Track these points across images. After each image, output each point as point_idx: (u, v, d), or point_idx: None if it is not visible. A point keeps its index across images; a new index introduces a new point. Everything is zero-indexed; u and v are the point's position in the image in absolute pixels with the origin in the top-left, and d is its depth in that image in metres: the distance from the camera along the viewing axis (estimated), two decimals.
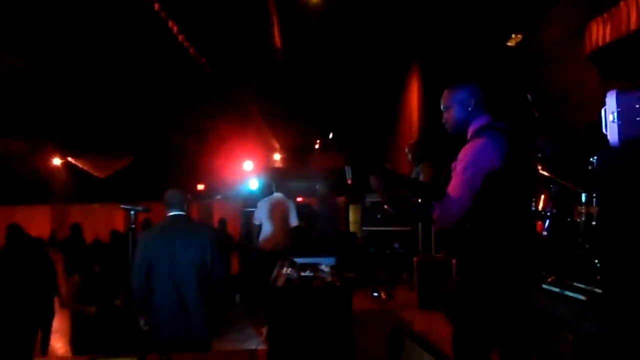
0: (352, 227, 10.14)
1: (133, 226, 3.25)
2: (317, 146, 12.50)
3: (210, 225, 4.73)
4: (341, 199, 10.38)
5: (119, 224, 11.87)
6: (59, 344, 5.44)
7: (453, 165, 2.23)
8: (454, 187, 2.14)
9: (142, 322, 3.42)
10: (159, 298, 3.42)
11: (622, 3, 4.44)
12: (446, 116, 2.41)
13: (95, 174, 12.70)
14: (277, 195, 6.01)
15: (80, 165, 12.38)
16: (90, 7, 6.19)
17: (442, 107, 2.42)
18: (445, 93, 2.42)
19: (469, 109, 2.32)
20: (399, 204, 2.34)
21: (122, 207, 3.26)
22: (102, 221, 12.48)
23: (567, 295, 3.28)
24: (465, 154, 2.18)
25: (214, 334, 3.67)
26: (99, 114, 10.01)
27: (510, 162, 2.13)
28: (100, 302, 4.23)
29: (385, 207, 2.39)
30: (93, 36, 6.88)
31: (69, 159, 12.38)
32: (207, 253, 3.54)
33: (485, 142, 2.16)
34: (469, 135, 2.33)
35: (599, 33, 4.81)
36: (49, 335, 5.17)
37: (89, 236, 8.68)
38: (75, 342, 4.33)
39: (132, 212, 3.24)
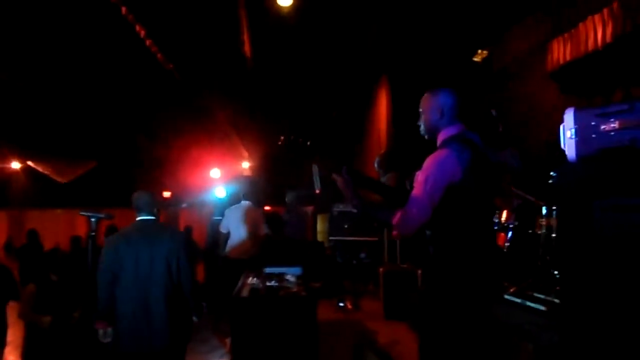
0: (320, 237, 10.12)
1: (93, 234, 3.14)
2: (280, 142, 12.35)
3: (178, 230, 4.66)
4: (309, 208, 10.37)
5: (81, 230, 11.49)
6: (11, 356, 5.20)
7: (417, 173, 2.24)
8: (415, 196, 2.16)
9: (101, 332, 3.28)
10: (123, 307, 3.30)
11: (581, 24, 4.62)
12: (421, 120, 2.44)
13: (56, 178, 12.28)
14: (246, 203, 5.96)
15: (40, 169, 11.96)
16: (55, 9, 6.04)
17: (419, 109, 2.45)
18: (424, 96, 2.45)
19: (441, 116, 2.34)
20: (364, 205, 2.31)
21: (82, 214, 3.15)
22: (63, 228, 12.09)
23: (528, 306, 3.35)
24: (428, 165, 2.20)
25: (185, 342, 3.58)
26: (62, 117, 9.73)
27: (473, 175, 2.15)
28: (56, 312, 4.06)
29: (351, 207, 2.39)
30: (58, 39, 6.71)
31: (29, 162, 11.95)
32: (173, 259, 3.43)
33: (448, 153, 2.18)
34: (437, 143, 2.35)
35: (560, 52, 4.99)
36: (3, 348, 4.94)
37: (49, 243, 8.39)
38: (28, 354, 4.15)
39: (92, 219, 3.14)
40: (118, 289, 3.31)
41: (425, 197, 2.12)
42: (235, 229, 5.76)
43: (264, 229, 5.86)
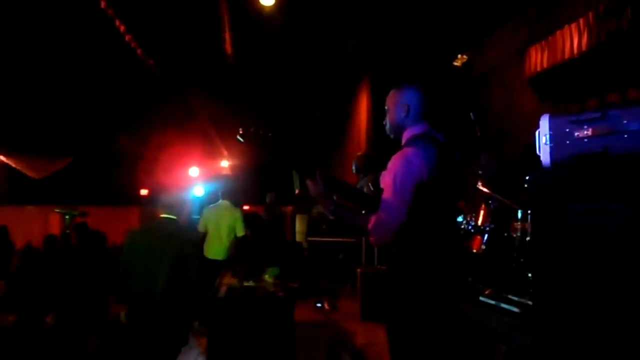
0: (298, 237, 10.11)
1: (68, 231, 3.12)
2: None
3: (192, 233, 4.60)
4: (288, 209, 10.36)
5: (55, 227, 11.27)
6: None
7: (382, 174, 2.19)
8: (386, 198, 2.10)
9: (122, 314, 3.36)
10: (131, 298, 3.37)
11: (558, 32, 4.71)
12: (387, 118, 2.41)
13: (30, 174, 11.98)
14: (224, 202, 5.90)
15: (13, 164, 11.65)
16: (32, 2, 5.90)
17: (385, 107, 2.42)
18: (390, 93, 2.41)
19: (406, 114, 2.30)
20: (339, 211, 2.21)
21: (57, 212, 3.14)
22: (36, 225, 11.83)
23: (502, 308, 3.41)
24: (394, 164, 2.14)
25: (181, 343, 3.56)
26: (38, 112, 9.52)
27: (439, 175, 2.10)
28: (24, 311, 3.98)
29: (326, 212, 2.28)
30: (34, 32, 6.56)
31: (1, 157, 11.64)
32: (181, 261, 3.44)
33: (414, 152, 2.12)
34: (402, 142, 2.31)
35: (538, 58, 5.08)
36: None
37: (20, 240, 8.19)
38: None
39: (67, 217, 3.12)
40: (130, 280, 3.37)
41: (396, 199, 2.07)
42: (213, 229, 5.71)
43: (242, 231, 5.80)
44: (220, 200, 5.93)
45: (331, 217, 2.23)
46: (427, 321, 2.13)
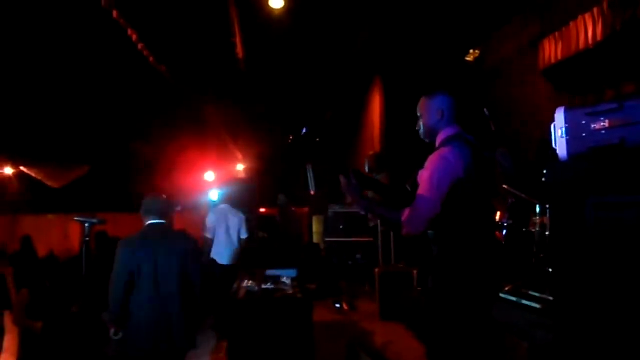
0: (315, 238, 10.12)
1: (87, 239, 3.15)
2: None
3: (188, 234, 4.51)
4: (304, 210, 10.36)
5: (74, 235, 11.42)
6: None
7: (420, 172, 2.26)
8: (423, 191, 2.16)
9: (113, 331, 3.26)
10: (138, 309, 3.26)
11: (572, 23, 4.65)
12: (420, 123, 2.49)
13: (49, 183, 12.19)
14: (225, 206, 5.83)
15: (33, 174, 11.86)
16: (46, 14, 6.01)
17: (418, 113, 2.50)
18: (421, 100, 2.49)
19: (439, 118, 2.39)
20: (372, 206, 2.33)
21: (76, 220, 3.16)
22: (56, 233, 12.00)
23: (523, 304, 3.37)
24: (431, 162, 2.22)
25: (191, 346, 3.56)
26: (55, 122, 9.68)
27: (474, 173, 2.17)
28: (48, 317, 4.05)
29: (358, 208, 2.40)
30: (49, 43, 6.67)
31: (22, 168, 11.86)
32: (187, 261, 3.43)
33: (450, 150, 2.20)
34: (437, 144, 2.38)
35: (552, 50, 5.01)
36: None
37: (42, 249, 8.32)
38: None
39: (86, 225, 3.15)
40: (134, 291, 3.28)
41: (432, 192, 2.13)
42: (217, 234, 5.63)
43: (245, 234, 5.75)
44: (223, 204, 5.85)
45: (363, 213, 2.35)
46: (469, 320, 2.16)
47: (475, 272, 2.16)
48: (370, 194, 2.47)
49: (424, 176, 2.20)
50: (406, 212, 2.17)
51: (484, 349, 2.19)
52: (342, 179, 2.30)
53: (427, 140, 2.49)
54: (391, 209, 2.32)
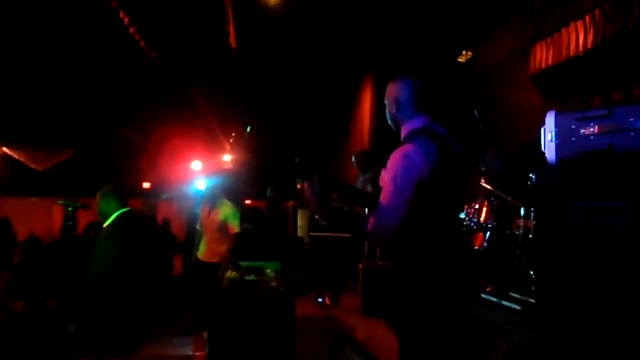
0: (300, 232, 10.09)
1: (70, 223, 3.14)
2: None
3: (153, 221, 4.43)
4: (289, 203, 10.34)
5: (57, 219, 11.28)
6: None
7: (382, 172, 2.13)
8: (386, 197, 2.02)
9: (72, 327, 3.31)
10: (113, 293, 3.33)
11: (563, 29, 4.69)
12: (386, 112, 2.35)
13: (33, 166, 12.01)
14: (217, 197, 5.68)
15: (16, 156, 11.67)
16: None
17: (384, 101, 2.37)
18: (387, 87, 2.37)
19: (402, 107, 2.24)
20: (332, 215, 2.14)
21: (60, 203, 3.15)
22: (39, 216, 11.86)
23: (504, 305, 3.41)
24: (393, 161, 2.06)
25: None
26: (41, 104, 9.53)
27: (440, 171, 2.03)
28: (30, 298, 4.04)
29: (316, 217, 2.28)
30: (37, 23, 6.56)
31: (4, 149, 11.66)
32: (158, 247, 3.52)
33: (415, 149, 2.04)
34: (401, 137, 2.26)
35: (542, 55, 5.06)
36: None
37: (23, 231, 8.20)
38: (3, 339, 4.09)
39: (69, 209, 3.13)
40: (111, 276, 3.33)
41: (396, 200, 2.00)
42: (203, 227, 5.36)
43: (236, 228, 5.55)
44: (216, 196, 5.68)
45: (324, 223, 2.19)
46: (430, 319, 2.09)
47: (435, 272, 2.08)
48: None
49: (386, 178, 2.05)
50: (371, 221, 2.04)
51: (447, 349, 2.12)
52: (304, 185, 2.11)
53: (394, 129, 2.35)
54: (355, 218, 2.20)
